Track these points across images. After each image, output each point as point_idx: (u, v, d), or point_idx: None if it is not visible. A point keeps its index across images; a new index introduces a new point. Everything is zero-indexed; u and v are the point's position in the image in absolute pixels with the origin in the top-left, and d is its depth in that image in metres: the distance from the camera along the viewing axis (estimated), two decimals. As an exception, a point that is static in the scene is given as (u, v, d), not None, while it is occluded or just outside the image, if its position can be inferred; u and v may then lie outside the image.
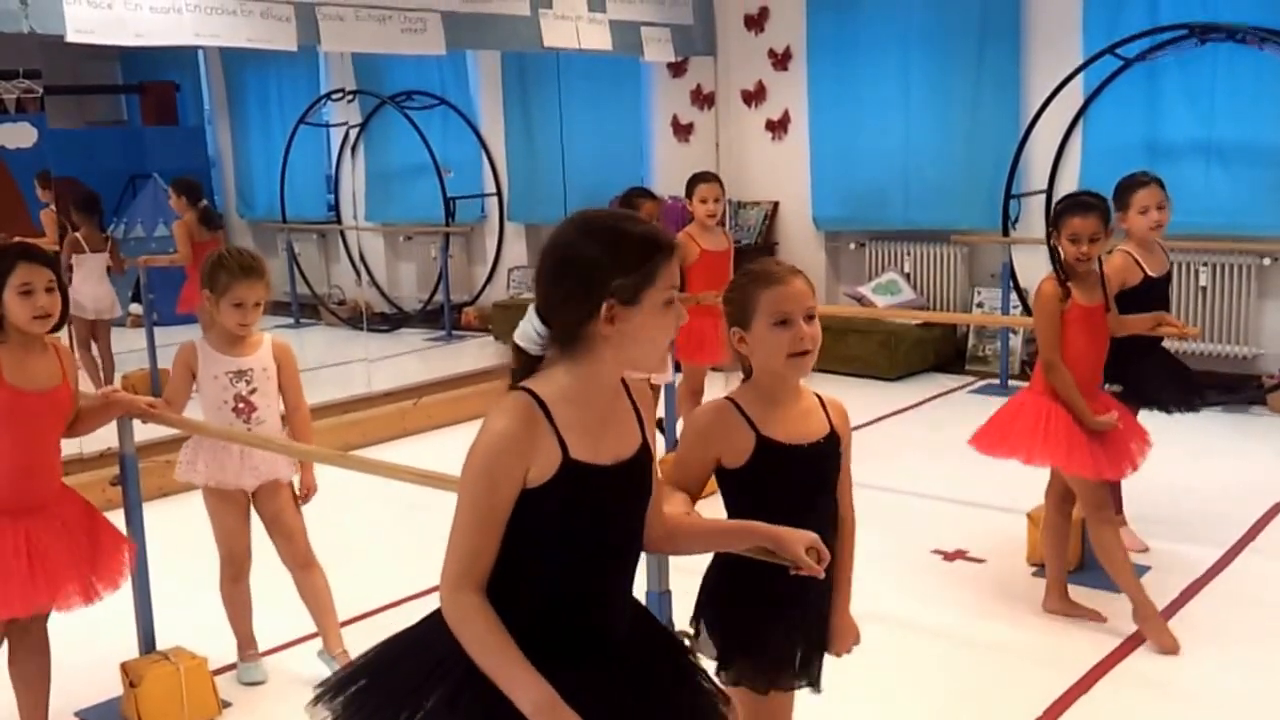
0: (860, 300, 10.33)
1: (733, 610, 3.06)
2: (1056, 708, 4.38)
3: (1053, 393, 4.95)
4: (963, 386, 9.44)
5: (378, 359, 10.29)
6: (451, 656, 2.33)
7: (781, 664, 3.06)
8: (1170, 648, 4.82)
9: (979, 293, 10.20)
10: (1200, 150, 8.83)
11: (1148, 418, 5.55)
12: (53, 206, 8.75)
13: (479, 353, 10.92)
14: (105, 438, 4.65)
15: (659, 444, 6.30)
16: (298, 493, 4.80)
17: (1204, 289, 8.92)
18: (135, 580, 4.52)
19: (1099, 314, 5.01)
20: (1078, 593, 5.23)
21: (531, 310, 2.39)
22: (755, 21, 10.90)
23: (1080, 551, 5.58)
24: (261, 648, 4.92)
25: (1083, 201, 4.94)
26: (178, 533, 5.15)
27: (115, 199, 11.60)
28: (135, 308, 10.61)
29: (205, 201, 10.12)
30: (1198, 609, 5.24)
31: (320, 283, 12.90)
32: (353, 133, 12.44)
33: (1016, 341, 9.57)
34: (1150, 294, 5.56)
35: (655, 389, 6.59)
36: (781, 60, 10.82)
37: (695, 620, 3.09)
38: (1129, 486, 5.84)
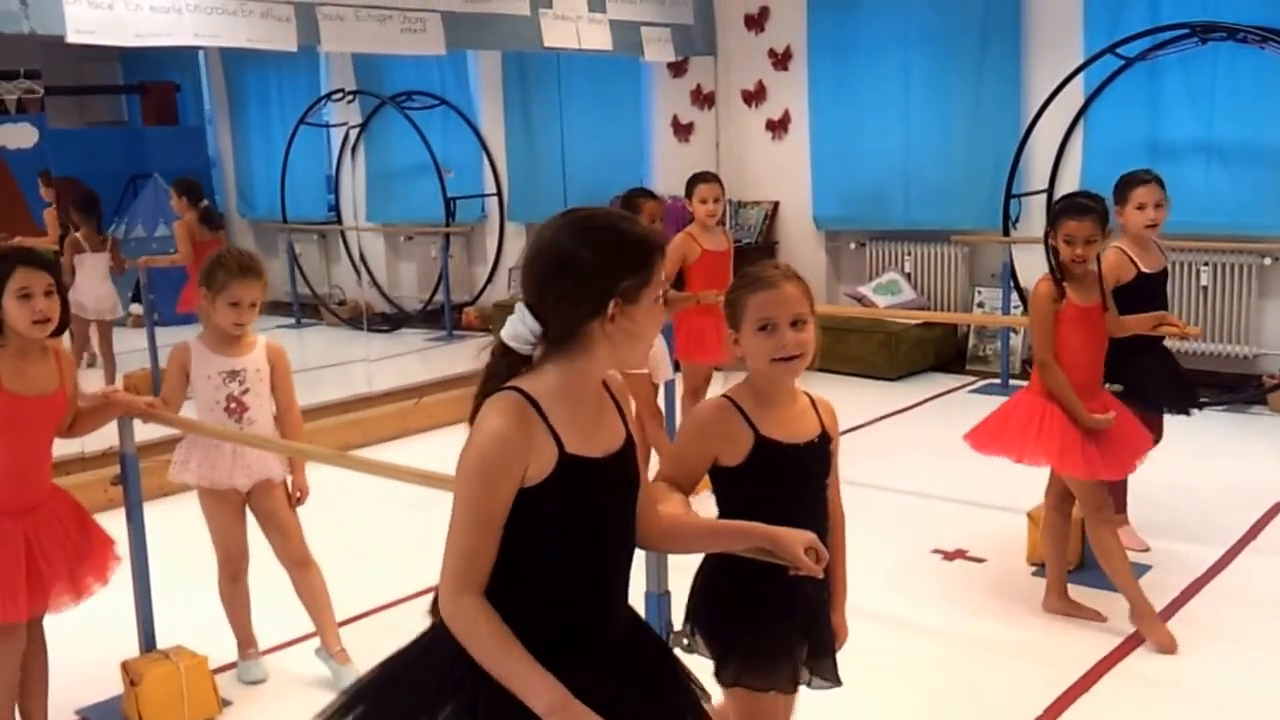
0: (861, 300, 10.33)
1: (727, 611, 3.06)
2: (1056, 707, 4.38)
3: (1049, 392, 4.96)
4: (963, 386, 9.44)
5: (378, 359, 10.29)
6: (460, 665, 2.32)
7: (778, 664, 3.06)
8: (1168, 647, 4.83)
9: (979, 292, 10.20)
10: (1201, 150, 8.83)
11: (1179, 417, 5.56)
12: (54, 206, 8.76)
13: (480, 353, 10.85)
14: (107, 437, 4.65)
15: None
16: (290, 494, 4.81)
17: (1205, 289, 8.92)
18: (136, 579, 4.54)
19: (1096, 314, 5.01)
20: (1078, 592, 5.23)
21: (523, 309, 2.38)
22: (755, 21, 10.90)
23: (1080, 551, 5.58)
24: (261, 647, 4.92)
25: (1079, 204, 4.94)
26: (178, 532, 5.15)
27: (116, 199, 11.59)
28: (136, 308, 10.61)
29: (206, 202, 10.12)
30: (1198, 608, 5.24)
31: (321, 283, 12.89)
32: (353, 133, 12.43)
33: (1017, 341, 9.57)
34: (1145, 290, 5.57)
35: (656, 387, 6.59)
36: (782, 60, 10.82)
37: (688, 622, 3.09)
38: (1130, 486, 5.85)
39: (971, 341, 10.14)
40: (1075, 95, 9.14)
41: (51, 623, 4.23)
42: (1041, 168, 9.43)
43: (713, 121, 11.21)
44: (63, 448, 4.38)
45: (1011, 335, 9.56)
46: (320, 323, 12.50)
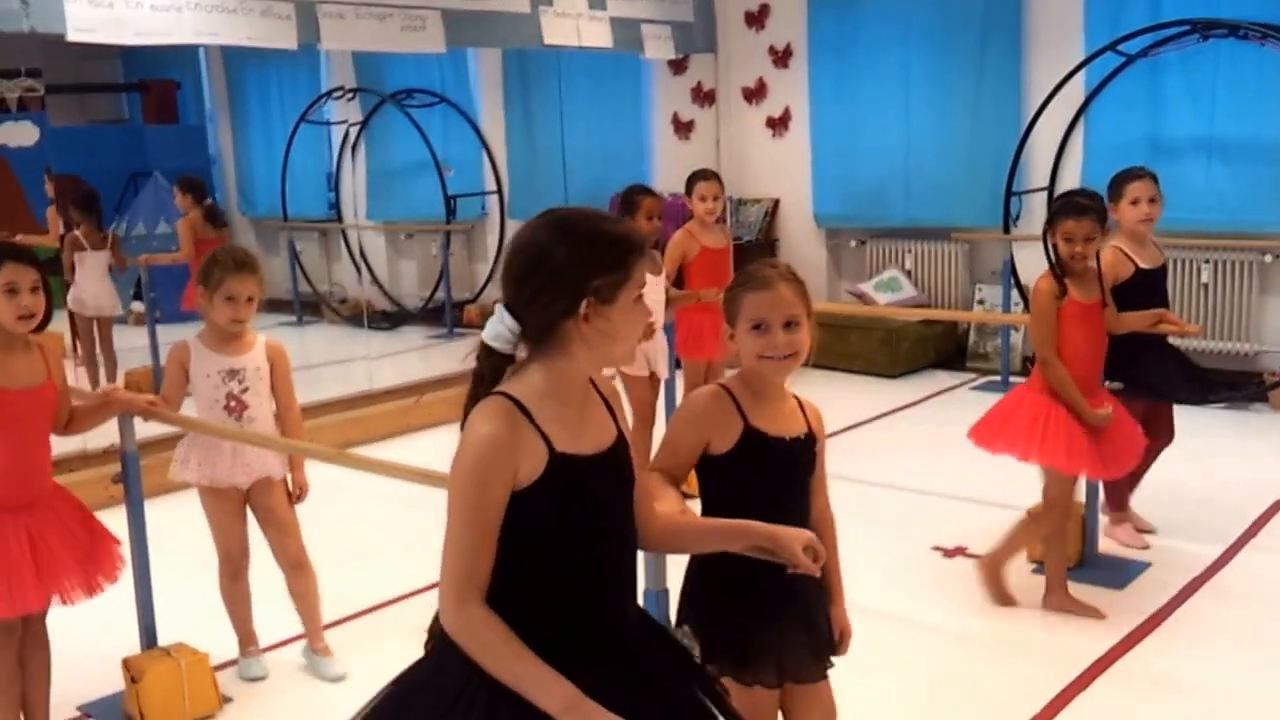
0: (861, 297, 10.34)
1: (715, 606, 3.07)
2: (1056, 704, 4.38)
3: (1051, 390, 4.97)
4: (964, 383, 9.45)
5: (379, 357, 10.31)
6: (472, 684, 2.30)
7: (763, 660, 3.07)
8: (1004, 600, 5.10)
9: (980, 290, 10.20)
10: (1202, 147, 8.82)
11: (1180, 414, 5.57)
12: (55, 204, 8.76)
13: (466, 356, 10.87)
14: (108, 435, 4.66)
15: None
16: (290, 491, 4.82)
17: (1205, 286, 8.92)
18: (137, 576, 4.55)
19: (1096, 311, 5.03)
20: (1077, 590, 5.24)
21: (501, 309, 2.38)
22: (756, 19, 10.90)
23: (1080, 548, 5.59)
24: (262, 644, 4.94)
25: (1077, 203, 4.95)
26: (179, 529, 5.15)
27: (117, 197, 11.60)
28: (137, 305, 10.61)
29: (210, 200, 10.12)
30: (1198, 606, 5.25)
31: (322, 281, 12.90)
32: (353, 131, 12.43)
33: (1018, 338, 9.56)
34: (1144, 287, 5.57)
35: (656, 384, 6.59)
36: (782, 57, 10.82)
37: (679, 616, 3.10)
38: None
39: (972, 339, 10.14)
40: (1076, 92, 9.13)
41: (53, 619, 4.24)
42: (1042, 165, 9.42)
43: (713, 119, 11.21)
44: (64, 445, 4.39)
45: (1012, 332, 9.55)
46: (321, 320, 12.50)
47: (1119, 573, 5.56)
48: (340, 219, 12.68)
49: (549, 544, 2.36)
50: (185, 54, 12.03)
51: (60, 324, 7.18)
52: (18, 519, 3.99)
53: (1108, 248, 5.47)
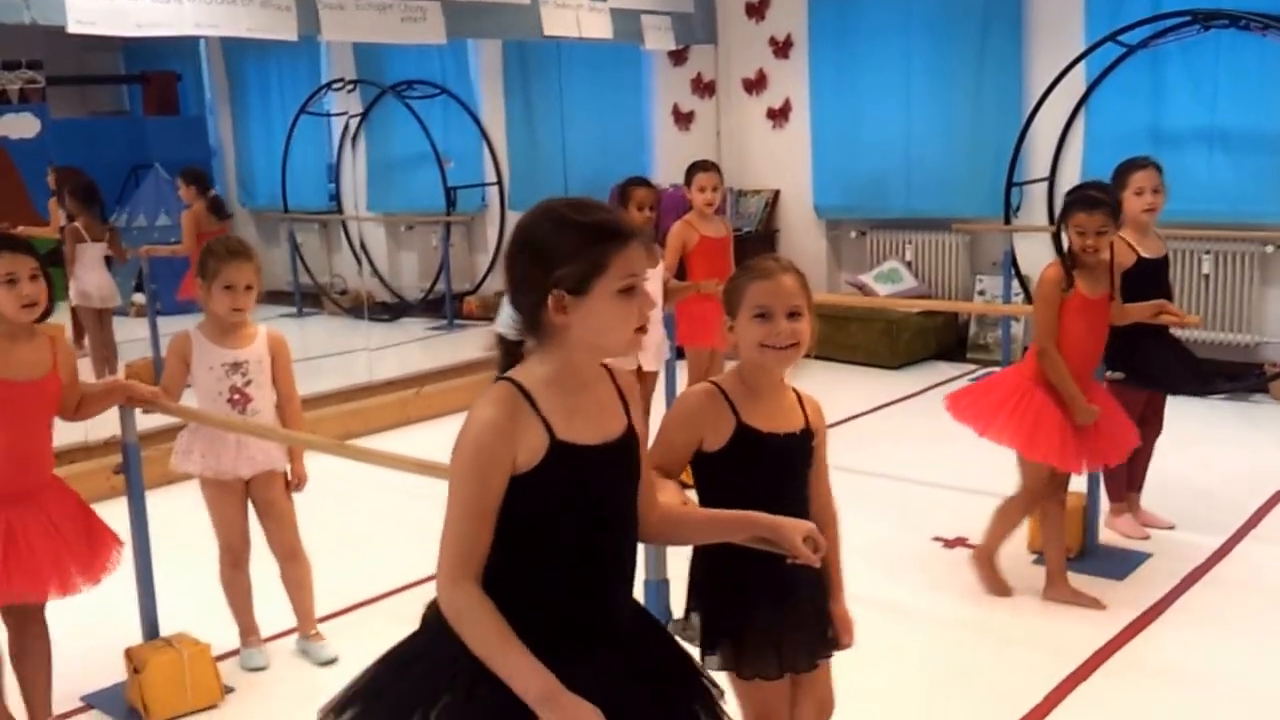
0: (862, 288, 10.34)
1: (717, 596, 3.09)
2: (1056, 694, 4.39)
3: (1037, 377, 4.97)
4: (964, 374, 9.43)
5: (379, 348, 10.29)
6: (458, 660, 2.31)
7: (763, 651, 3.08)
8: (999, 591, 5.15)
9: (980, 281, 10.20)
10: (1203, 137, 8.82)
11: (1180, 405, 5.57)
12: (56, 195, 8.77)
13: (480, 342, 10.80)
14: (109, 426, 4.66)
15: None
16: (290, 481, 4.83)
17: (1206, 277, 8.91)
18: (138, 566, 4.55)
19: (1101, 306, 5.03)
20: (1078, 580, 5.24)
21: (505, 297, 2.40)
22: (756, 9, 10.89)
23: (1081, 539, 5.60)
24: (264, 634, 4.94)
25: (1090, 197, 4.94)
26: (181, 520, 5.16)
27: (118, 189, 11.61)
28: (138, 297, 10.62)
29: (214, 191, 10.13)
30: (1199, 596, 5.25)
31: (322, 272, 12.90)
32: (354, 122, 12.44)
33: (1018, 329, 9.56)
34: (1145, 276, 5.58)
35: (649, 376, 6.57)
36: (782, 48, 10.82)
37: (686, 606, 3.12)
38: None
39: (972, 330, 10.14)
40: (1077, 83, 9.13)
41: (54, 611, 4.24)
42: (1043, 156, 9.43)
43: (713, 110, 11.21)
44: (65, 437, 4.40)
45: (1012, 323, 9.54)
46: (321, 312, 12.49)
47: (1119, 563, 5.56)
48: (340, 210, 12.69)
49: (546, 531, 2.36)
50: (186, 46, 12.05)
51: (61, 316, 7.17)
52: (14, 509, 4.00)
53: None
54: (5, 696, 4.21)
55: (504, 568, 2.35)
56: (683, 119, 11.27)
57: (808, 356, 3.09)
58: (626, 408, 2.51)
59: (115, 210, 11.14)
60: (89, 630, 4.81)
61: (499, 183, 12.12)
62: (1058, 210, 5.12)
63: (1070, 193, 5.12)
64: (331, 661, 4.77)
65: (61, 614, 4.30)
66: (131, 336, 9.78)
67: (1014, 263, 9.45)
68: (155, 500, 4.73)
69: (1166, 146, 8.51)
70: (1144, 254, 5.63)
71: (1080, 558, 5.52)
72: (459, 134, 12.21)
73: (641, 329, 2.37)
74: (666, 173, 10.16)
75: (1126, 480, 5.93)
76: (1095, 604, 5.11)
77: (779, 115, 10.94)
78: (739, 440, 3.00)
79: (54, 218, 8.85)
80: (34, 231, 7.60)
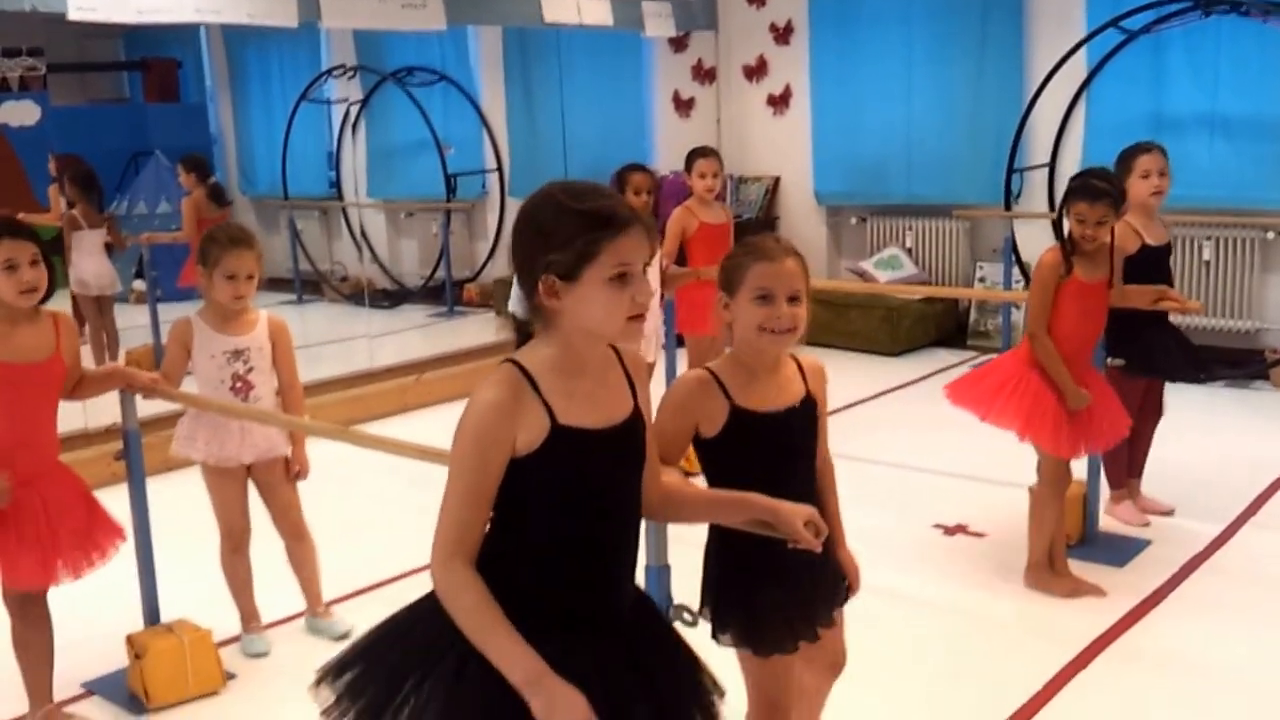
0: (862, 275, 10.34)
1: (730, 574, 3.09)
2: (1056, 681, 4.40)
3: (1032, 360, 4.97)
4: (964, 361, 9.42)
5: (380, 335, 10.30)
6: (450, 632, 2.32)
7: (779, 633, 3.08)
8: (1074, 591, 5.02)
9: (981, 267, 10.20)
10: (1204, 124, 8.82)
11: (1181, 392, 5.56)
12: (57, 183, 8.76)
13: (481, 329, 10.91)
14: (110, 413, 4.67)
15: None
16: (290, 466, 4.84)
17: (1207, 263, 8.92)
18: (139, 553, 4.56)
19: (1098, 292, 5.01)
20: (1077, 567, 5.25)
21: (516, 279, 2.41)
22: (757, -4, 10.89)
23: (1081, 527, 5.60)
24: (265, 621, 4.95)
25: (1093, 187, 4.90)
26: (182, 507, 5.17)
27: (118, 176, 11.59)
28: (138, 284, 10.62)
29: (214, 178, 10.12)
30: (1198, 583, 5.26)
31: (322, 259, 12.89)
32: (354, 109, 12.41)
33: (1019, 316, 9.53)
34: (1148, 263, 5.57)
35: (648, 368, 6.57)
36: (783, 34, 10.80)
37: (701, 597, 3.12)
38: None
39: (973, 317, 10.14)
40: (1078, 69, 9.13)
41: (56, 598, 4.25)
42: (1044, 142, 9.42)
43: (714, 97, 11.20)
44: (66, 424, 4.39)
45: (1013, 310, 9.53)
46: (322, 299, 12.49)
47: (1120, 551, 5.57)
48: (341, 197, 12.68)
49: (546, 516, 2.37)
50: (186, 33, 12.02)
51: (62, 303, 7.16)
52: (17, 494, 4.00)
53: (1116, 222, 5.44)
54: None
55: (504, 552, 2.37)
56: (683, 106, 11.26)
57: (802, 343, 3.09)
58: (634, 390, 2.50)
59: (116, 198, 11.13)
60: (90, 616, 4.82)
61: (499, 169, 12.11)
62: (1058, 197, 5.11)
63: (1074, 179, 5.09)
64: (346, 635, 4.76)
65: (63, 600, 4.31)
66: (132, 323, 9.77)
67: (1014, 249, 9.44)
68: (156, 486, 4.73)
69: (1168, 132, 8.47)
70: (1149, 240, 5.62)
71: (1081, 545, 5.53)
72: (459, 121, 12.19)
73: (638, 317, 2.36)
74: (667, 159, 10.16)
75: (1126, 467, 5.93)
76: (1095, 591, 5.11)
77: (779, 102, 10.93)
78: (734, 424, 2.99)
79: (55, 205, 8.84)
80: (34, 219, 7.60)
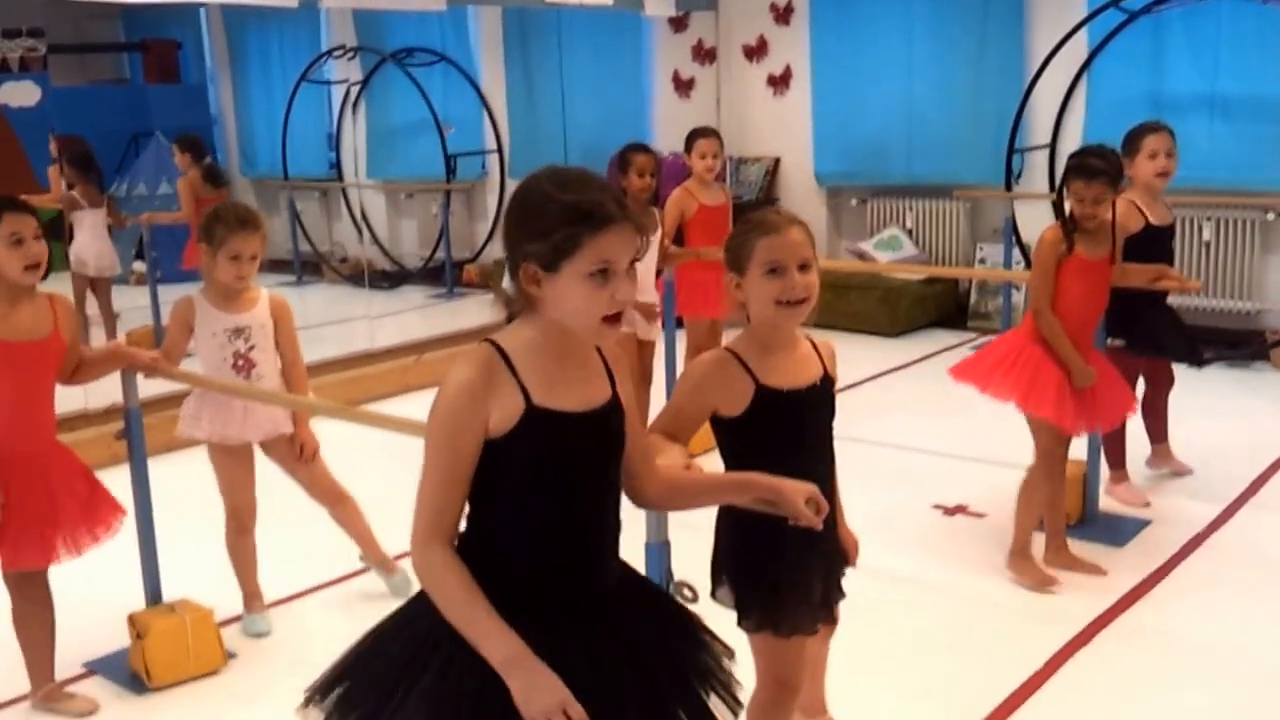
0: (861, 256, 10.33)
1: (744, 558, 3.10)
2: (1056, 660, 4.41)
3: (1035, 335, 4.96)
4: (964, 343, 9.42)
5: (380, 316, 10.30)
6: (436, 633, 2.32)
7: (798, 607, 3.09)
8: (1043, 583, 4.98)
9: (981, 248, 10.19)
10: (1204, 104, 8.80)
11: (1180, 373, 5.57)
12: (58, 163, 8.75)
13: (480, 310, 10.92)
14: (111, 393, 4.67)
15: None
16: (295, 447, 4.83)
17: (1207, 244, 8.91)
18: (141, 532, 4.56)
19: (1100, 269, 5.00)
20: (1077, 547, 5.26)
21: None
22: (757, -25, 10.87)
23: (1081, 506, 5.61)
24: (267, 600, 4.96)
25: (1089, 165, 4.86)
26: (183, 487, 5.18)
27: (118, 157, 11.60)
28: (139, 265, 10.63)
29: (209, 158, 10.11)
30: (1198, 563, 5.27)
31: (322, 240, 12.89)
32: (354, 90, 12.41)
33: (1019, 297, 9.53)
34: (1152, 243, 5.57)
35: (647, 345, 6.56)
36: (783, 14, 10.77)
37: (714, 570, 3.13)
38: (1133, 440, 5.91)
39: (973, 298, 10.13)
40: (1079, 49, 9.11)
41: (57, 576, 4.27)
42: (1044, 122, 9.42)
43: (714, 77, 11.18)
44: (66, 404, 4.40)
45: (1013, 291, 9.52)
46: (321, 280, 12.49)
47: (1119, 531, 5.58)
48: (341, 178, 12.68)
49: (521, 497, 2.36)
50: (186, 13, 12.03)
51: (62, 285, 7.17)
52: (16, 472, 4.02)
53: (1120, 199, 5.42)
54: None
55: (483, 536, 2.37)
56: (683, 86, 11.24)
57: (806, 324, 3.09)
58: (612, 378, 2.49)
59: (116, 179, 11.14)
60: (92, 596, 4.83)
61: (499, 150, 12.10)
62: (1059, 177, 5.09)
63: (1072, 157, 5.07)
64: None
65: (64, 580, 4.32)
66: (133, 304, 9.78)
67: (1015, 230, 9.43)
68: (157, 467, 4.74)
69: (1168, 113, 8.43)
70: (1153, 221, 5.62)
71: (1080, 525, 5.53)
72: (459, 101, 12.18)
73: (615, 317, 2.33)
74: (666, 140, 10.13)
75: (1150, 434, 6.05)
76: (1096, 570, 5.12)
77: (780, 82, 10.90)
78: (760, 402, 2.98)
79: (55, 186, 8.84)
80: (35, 200, 7.60)
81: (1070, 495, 5.44)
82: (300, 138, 12.53)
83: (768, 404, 2.98)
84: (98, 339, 8.84)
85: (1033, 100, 9.31)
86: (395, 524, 5.60)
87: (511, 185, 11.91)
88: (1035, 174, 9.52)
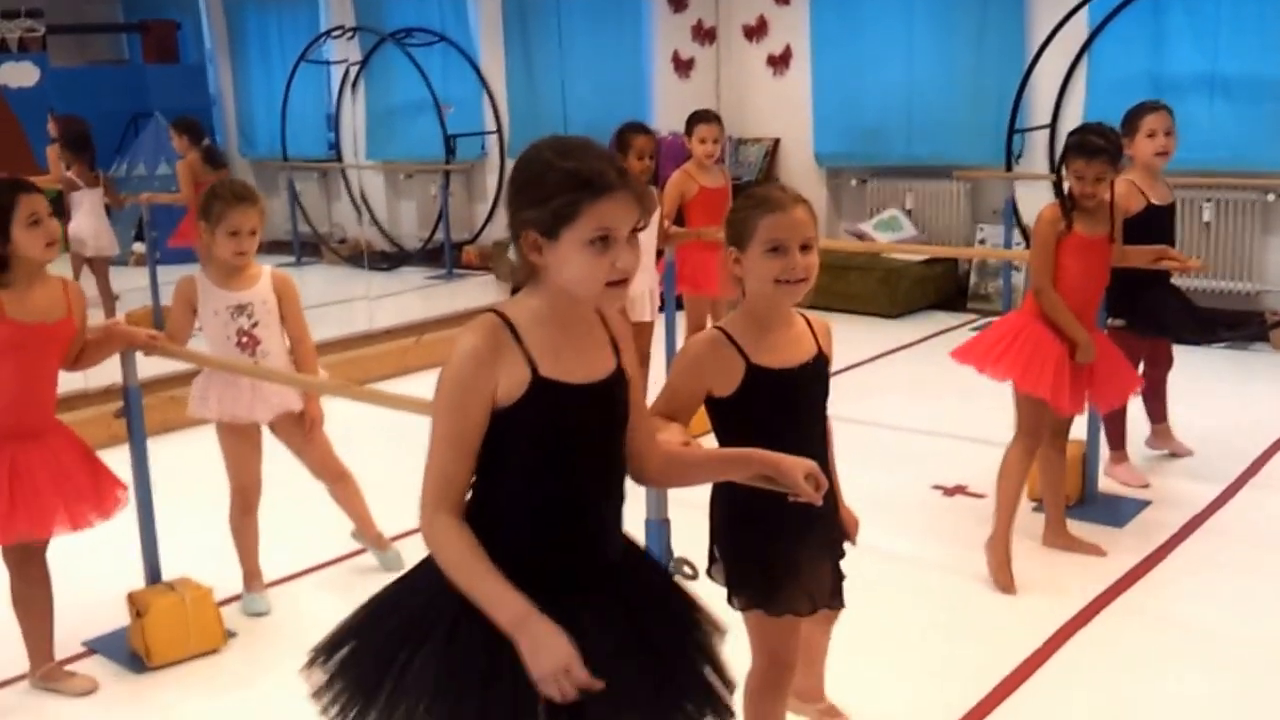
0: (861, 237, 10.32)
1: (737, 535, 3.09)
2: (1056, 640, 4.41)
3: (1036, 314, 4.93)
4: (964, 324, 9.42)
5: (379, 297, 10.31)
6: (441, 598, 2.32)
7: (790, 587, 3.08)
8: (1005, 587, 4.84)
9: (981, 229, 10.17)
10: (1205, 85, 8.79)
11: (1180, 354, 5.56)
12: (57, 143, 8.75)
13: (480, 291, 10.92)
14: (110, 373, 4.67)
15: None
16: (305, 421, 4.82)
17: (1208, 225, 8.90)
18: (140, 511, 4.56)
19: (1100, 247, 4.97)
20: (1077, 528, 5.26)
21: None
22: (757, -45, 10.84)
23: (1080, 487, 5.60)
24: (266, 580, 4.96)
25: (1090, 144, 4.83)
26: (183, 466, 5.18)
27: (117, 138, 11.60)
28: (138, 246, 10.62)
29: (207, 140, 10.10)
30: (1197, 544, 5.27)
31: (321, 221, 12.90)
32: (353, 70, 12.41)
33: (1019, 278, 9.52)
34: (1152, 223, 5.56)
35: (644, 326, 6.53)
36: (783, -5, 10.76)
37: (709, 554, 3.12)
38: (1133, 422, 5.91)
39: (973, 279, 10.12)
40: (1079, 30, 9.10)
41: (57, 556, 4.26)
42: (1045, 103, 9.41)
43: (713, 57, 11.16)
44: (65, 384, 4.39)
45: (1013, 272, 9.52)
46: (320, 261, 12.50)
47: (1119, 511, 5.58)
48: (340, 159, 12.68)
49: (527, 468, 2.36)
50: (184, -7, 12.03)
51: (61, 266, 7.17)
52: (20, 447, 4.03)
53: (1120, 179, 5.39)
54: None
55: (488, 508, 2.37)
56: (682, 66, 11.21)
57: (803, 305, 3.08)
58: (617, 350, 2.49)
59: (115, 159, 11.13)
60: (91, 575, 4.83)
61: (498, 131, 12.09)
62: (1059, 158, 5.07)
63: (1071, 135, 5.03)
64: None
65: (63, 558, 4.32)
66: (132, 285, 9.77)
67: (1015, 210, 9.42)
68: (156, 446, 4.73)
69: (1168, 93, 8.40)
70: (1153, 200, 5.61)
71: (1080, 505, 5.53)
72: (458, 82, 12.18)
73: (620, 282, 2.33)
74: (666, 120, 10.13)
75: (1150, 415, 6.04)
76: (1095, 550, 5.12)
77: (779, 62, 10.89)
78: (751, 382, 2.96)
79: (54, 167, 8.84)
80: (34, 181, 7.60)
81: (1070, 476, 5.44)
82: (299, 118, 12.52)
83: (759, 383, 2.97)
84: (96, 319, 8.83)
85: (1033, 80, 9.30)
86: (394, 504, 5.61)
87: (511, 165, 11.90)
88: (1035, 155, 9.51)
